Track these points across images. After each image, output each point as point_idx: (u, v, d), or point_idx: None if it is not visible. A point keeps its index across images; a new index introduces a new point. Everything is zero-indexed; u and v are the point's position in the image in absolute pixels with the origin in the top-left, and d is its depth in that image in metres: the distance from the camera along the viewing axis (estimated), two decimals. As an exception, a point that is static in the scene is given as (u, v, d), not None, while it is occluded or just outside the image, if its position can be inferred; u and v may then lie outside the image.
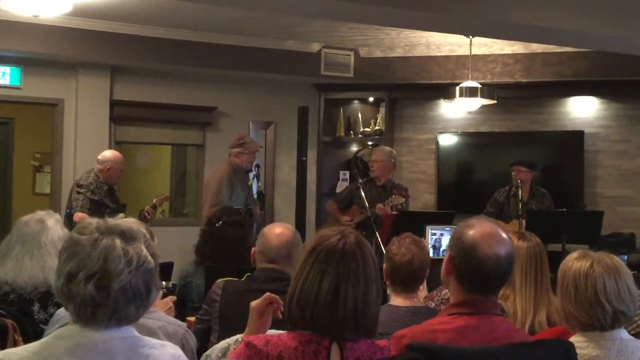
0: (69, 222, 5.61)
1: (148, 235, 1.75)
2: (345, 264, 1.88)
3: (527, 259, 2.99)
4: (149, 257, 1.71)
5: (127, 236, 1.69)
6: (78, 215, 5.77)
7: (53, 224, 3.10)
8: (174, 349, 1.78)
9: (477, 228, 2.16)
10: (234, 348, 2.09)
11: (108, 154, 6.20)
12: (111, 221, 1.73)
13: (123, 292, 1.65)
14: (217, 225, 4.18)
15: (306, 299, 1.88)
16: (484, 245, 2.12)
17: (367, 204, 5.86)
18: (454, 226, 3.19)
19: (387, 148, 6.96)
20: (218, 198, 6.13)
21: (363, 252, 1.93)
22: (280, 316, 2.14)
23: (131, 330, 1.73)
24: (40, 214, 3.14)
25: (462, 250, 2.14)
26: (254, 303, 2.19)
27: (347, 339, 1.87)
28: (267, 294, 2.19)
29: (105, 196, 6.02)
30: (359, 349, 1.89)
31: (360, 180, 6.27)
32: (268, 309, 2.18)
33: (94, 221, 1.72)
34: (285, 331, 1.95)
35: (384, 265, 3.01)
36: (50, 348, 1.66)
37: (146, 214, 6.29)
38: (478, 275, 2.13)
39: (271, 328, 2.21)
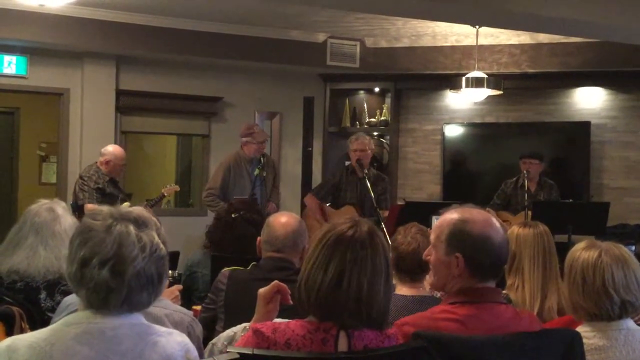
0: (73, 214, 5.67)
1: (159, 223, 1.76)
2: (352, 251, 1.89)
3: (535, 245, 3.00)
4: (161, 244, 1.72)
5: (139, 223, 1.71)
6: (88, 207, 5.84)
7: (63, 212, 3.10)
8: (181, 337, 1.79)
9: (473, 217, 2.15)
10: (242, 335, 2.09)
11: (110, 148, 6.31)
12: (123, 208, 1.74)
13: (137, 278, 1.66)
14: (233, 215, 4.14)
15: (312, 283, 1.89)
16: (494, 232, 2.13)
17: (375, 203, 5.53)
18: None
19: (366, 135, 6.55)
20: (211, 182, 6.30)
21: (373, 241, 1.92)
22: (291, 301, 2.14)
23: (140, 318, 1.73)
24: (48, 202, 3.14)
25: (475, 244, 2.11)
26: (261, 290, 2.20)
27: (353, 327, 1.87)
28: (275, 281, 2.20)
29: (108, 186, 6.12)
30: (367, 337, 1.89)
31: (343, 173, 6.19)
32: (275, 296, 2.18)
33: (105, 208, 1.73)
34: (295, 319, 1.96)
35: (390, 255, 3.00)
36: (59, 334, 1.67)
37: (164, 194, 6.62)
38: (497, 263, 2.15)
39: (281, 317, 2.21)
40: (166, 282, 1.79)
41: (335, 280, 1.86)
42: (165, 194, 6.77)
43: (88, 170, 6.19)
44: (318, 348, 1.85)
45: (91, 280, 1.65)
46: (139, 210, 1.75)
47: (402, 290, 2.92)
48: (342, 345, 1.86)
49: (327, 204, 6.36)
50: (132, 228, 1.68)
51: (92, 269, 1.65)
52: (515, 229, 3.12)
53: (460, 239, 2.13)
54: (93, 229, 1.68)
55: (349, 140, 6.33)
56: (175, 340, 1.76)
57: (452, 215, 2.18)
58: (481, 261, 2.12)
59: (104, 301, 1.66)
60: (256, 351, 1.82)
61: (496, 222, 2.17)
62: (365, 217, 5.96)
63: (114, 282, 1.65)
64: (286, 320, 2.00)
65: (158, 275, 1.71)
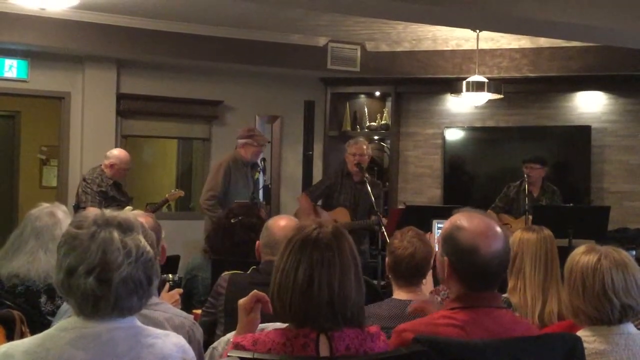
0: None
1: (146, 225, 1.75)
2: (319, 253, 1.89)
3: (537, 249, 3.01)
4: (148, 247, 1.71)
5: (124, 227, 1.69)
6: (89, 210, 5.82)
7: (63, 216, 3.10)
8: (177, 339, 1.79)
9: (470, 226, 2.10)
10: (225, 348, 2.08)
11: (116, 151, 6.30)
12: (109, 213, 1.73)
13: (124, 284, 1.66)
14: (232, 221, 4.13)
15: (285, 289, 1.89)
16: (483, 246, 2.07)
17: (375, 207, 5.48)
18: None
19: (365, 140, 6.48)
20: (211, 184, 6.13)
21: (339, 241, 1.92)
22: (272, 310, 2.13)
23: (134, 321, 1.73)
24: (49, 206, 3.14)
25: (460, 253, 2.09)
26: (241, 301, 2.19)
27: (331, 329, 1.87)
28: (255, 291, 2.19)
29: (111, 189, 6.11)
30: (348, 337, 1.89)
31: (339, 177, 6.15)
32: (256, 306, 2.17)
33: (91, 214, 1.72)
34: (273, 328, 1.95)
35: (387, 259, 3.00)
36: (54, 339, 1.67)
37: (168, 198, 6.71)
38: (483, 276, 2.10)
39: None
40: (157, 284, 1.79)
41: (306, 283, 1.86)
42: (169, 199, 6.77)
43: (92, 173, 6.18)
44: (299, 354, 1.84)
45: (78, 290, 1.65)
46: (124, 214, 1.74)
47: (400, 294, 2.91)
48: (323, 349, 1.86)
49: (319, 205, 6.35)
50: (116, 234, 1.67)
51: (78, 278, 1.64)
52: (519, 233, 3.13)
53: (450, 244, 2.13)
54: (77, 237, 1.67)
55: (347, 144, 6.30)
56: (171, 341, 1.76)
57: (455, 218, 2.17)
58: (465, 270, 2.10)
59: (94, 309, 1.66)
60: (257, 355, 1.82)
61: (495, 233, 2.10)
62: (357, 221, 6.00)
63: (101, 290, 1.64)
64: (270, 324, 1.99)
65: (147, 278, 1.70)
